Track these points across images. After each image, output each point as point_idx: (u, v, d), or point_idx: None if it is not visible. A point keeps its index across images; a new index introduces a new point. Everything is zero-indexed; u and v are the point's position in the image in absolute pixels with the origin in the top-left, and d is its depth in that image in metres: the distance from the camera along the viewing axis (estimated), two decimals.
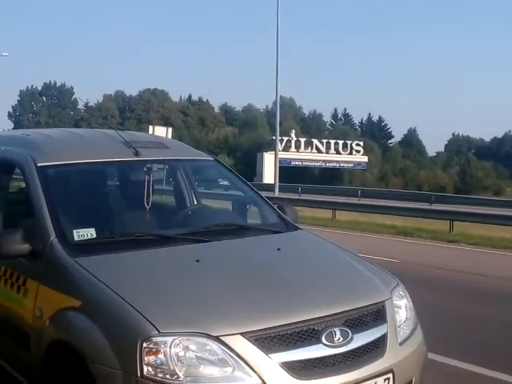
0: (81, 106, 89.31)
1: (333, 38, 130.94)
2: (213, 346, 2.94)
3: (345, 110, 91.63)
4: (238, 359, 2.93)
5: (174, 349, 2.91)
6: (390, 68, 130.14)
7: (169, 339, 2.92)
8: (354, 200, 27.60)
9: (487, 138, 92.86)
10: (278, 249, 3.90)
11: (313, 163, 63.80)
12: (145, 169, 4.52)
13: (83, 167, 4.39)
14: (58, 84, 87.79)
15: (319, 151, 61.61)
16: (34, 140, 4.64)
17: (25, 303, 3.68)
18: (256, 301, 3.25)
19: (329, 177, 61.58)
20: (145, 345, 2.91)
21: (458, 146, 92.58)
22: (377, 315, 3.44)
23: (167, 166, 4.96)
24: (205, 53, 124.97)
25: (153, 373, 2.89)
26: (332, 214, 21.53)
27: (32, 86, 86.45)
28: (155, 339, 2.92)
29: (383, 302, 3.51)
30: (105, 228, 3.93)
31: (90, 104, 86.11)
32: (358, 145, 63.55)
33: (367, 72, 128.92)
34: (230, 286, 3.38)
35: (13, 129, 77.52)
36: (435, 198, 29.28)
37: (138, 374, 2.90)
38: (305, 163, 62.64)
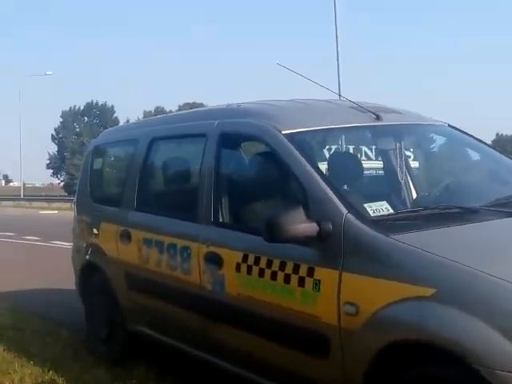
0: (122, 124, 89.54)
1: None
2: None
3: None
4: None
5: None
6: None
7: None
8: None
9: None
10: None
11: None
12: (394, 135, 3.85)
13: (328, 133, 3.90)
14: (100, 103, 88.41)
15: None
16: (254, 109, 3.98)
17: (318, 299, 2.97)
18: None
19: None
20: None
21: None
22: None
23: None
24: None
25: None
26: None
27: (74, 107, 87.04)
28: None
29: None
30: (392, 201, 3.22)
31: (130, 121, 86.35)
32: None
33: None
34: None
35: (57, 152, 79.34)
36: None
37: None
38: None
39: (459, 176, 3.92)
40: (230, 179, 3.97)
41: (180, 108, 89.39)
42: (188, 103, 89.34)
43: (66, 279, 6.15)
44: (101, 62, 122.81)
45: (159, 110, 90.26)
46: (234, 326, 3.56)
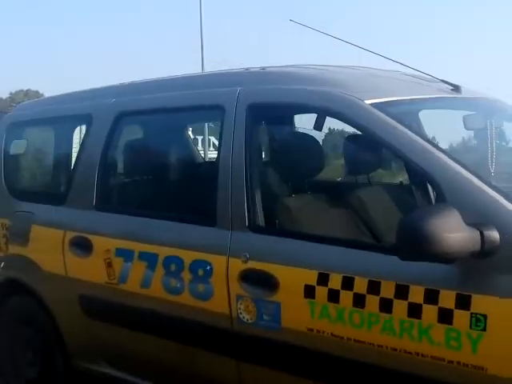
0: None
1: None
2: None
3: None
4: None
5: None
6: None
7: None
8: None
9: None
10: None
11: None
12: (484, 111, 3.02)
13: (421, 105, 2.99)
14: None
15: None
16: (301, 73, 2.94)
17: (481, 342, 2.01)
18: None
19: None
20: None
21: None
22: None
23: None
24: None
25: None
26: None
27: None
28: None
29: None
30: None
31: None
32: None
33: None
34: None
35: None
36: None
37: None
38: None
39: None
40: (276, 168, 2.89)
41: (12, 95, 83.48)
42: (22, 90, 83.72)
43: None
44: None
45: None
46: (293, 374, 2.50)
